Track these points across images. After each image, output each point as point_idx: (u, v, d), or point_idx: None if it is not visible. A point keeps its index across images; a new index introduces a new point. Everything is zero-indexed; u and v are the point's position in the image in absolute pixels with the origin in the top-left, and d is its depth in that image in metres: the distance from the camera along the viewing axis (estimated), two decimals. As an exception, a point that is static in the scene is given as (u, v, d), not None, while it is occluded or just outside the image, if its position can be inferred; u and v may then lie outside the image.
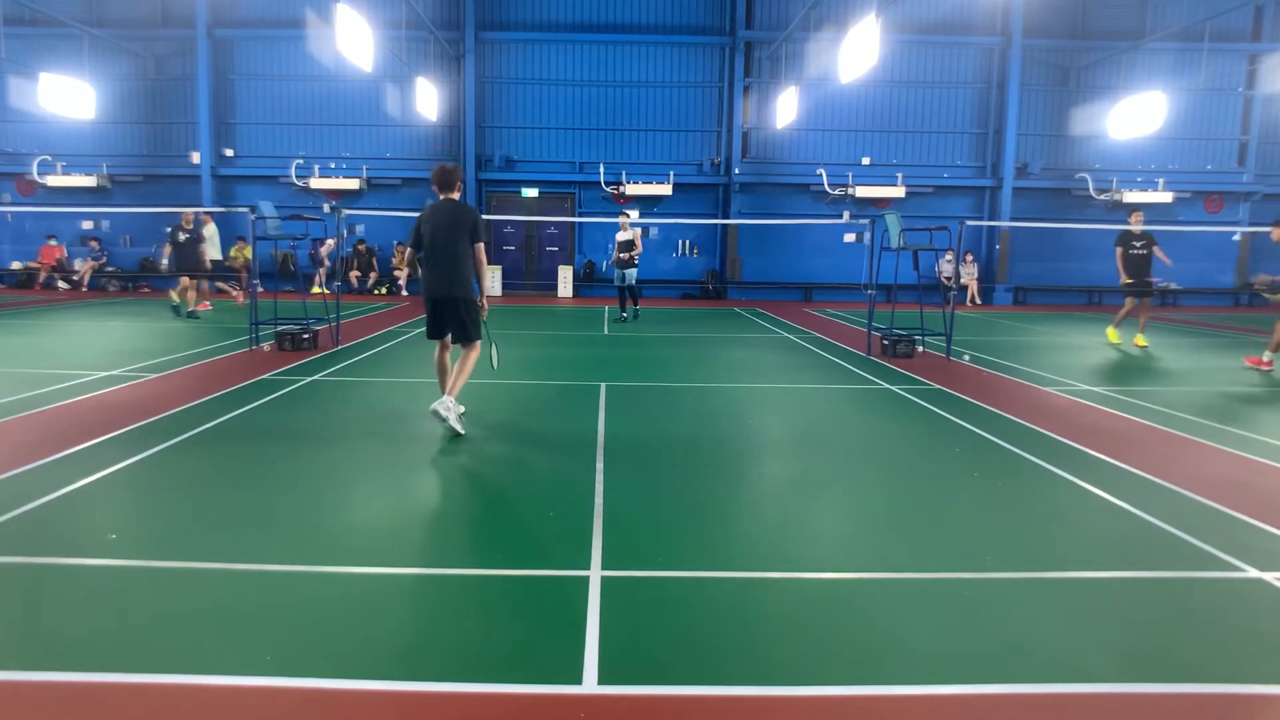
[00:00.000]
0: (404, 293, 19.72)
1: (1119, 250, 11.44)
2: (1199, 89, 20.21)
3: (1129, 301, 11.70)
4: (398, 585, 3.22)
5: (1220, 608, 3.10)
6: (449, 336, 5.74)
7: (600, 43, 20.42)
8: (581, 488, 4.44)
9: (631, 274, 13.74)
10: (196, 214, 13.70)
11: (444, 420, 5.39)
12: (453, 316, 5.61)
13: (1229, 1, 18.49)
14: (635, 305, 14.29)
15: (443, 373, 5.76)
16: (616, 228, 14.55)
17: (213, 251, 14.51)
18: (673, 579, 3.27)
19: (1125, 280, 11.45)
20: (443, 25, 20.16)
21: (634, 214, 16.24)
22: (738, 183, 20.54)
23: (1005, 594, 3.19)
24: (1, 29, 17.27)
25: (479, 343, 5.75)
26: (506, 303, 18.23)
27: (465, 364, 5.66)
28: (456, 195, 5.71)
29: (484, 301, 5.75)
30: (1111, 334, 11.99)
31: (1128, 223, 11.63)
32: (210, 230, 14.63)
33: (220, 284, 17.28)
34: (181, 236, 12.84)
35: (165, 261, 15.50)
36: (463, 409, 5.66)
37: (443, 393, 5.49)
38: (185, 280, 12.99)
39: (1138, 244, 11.37)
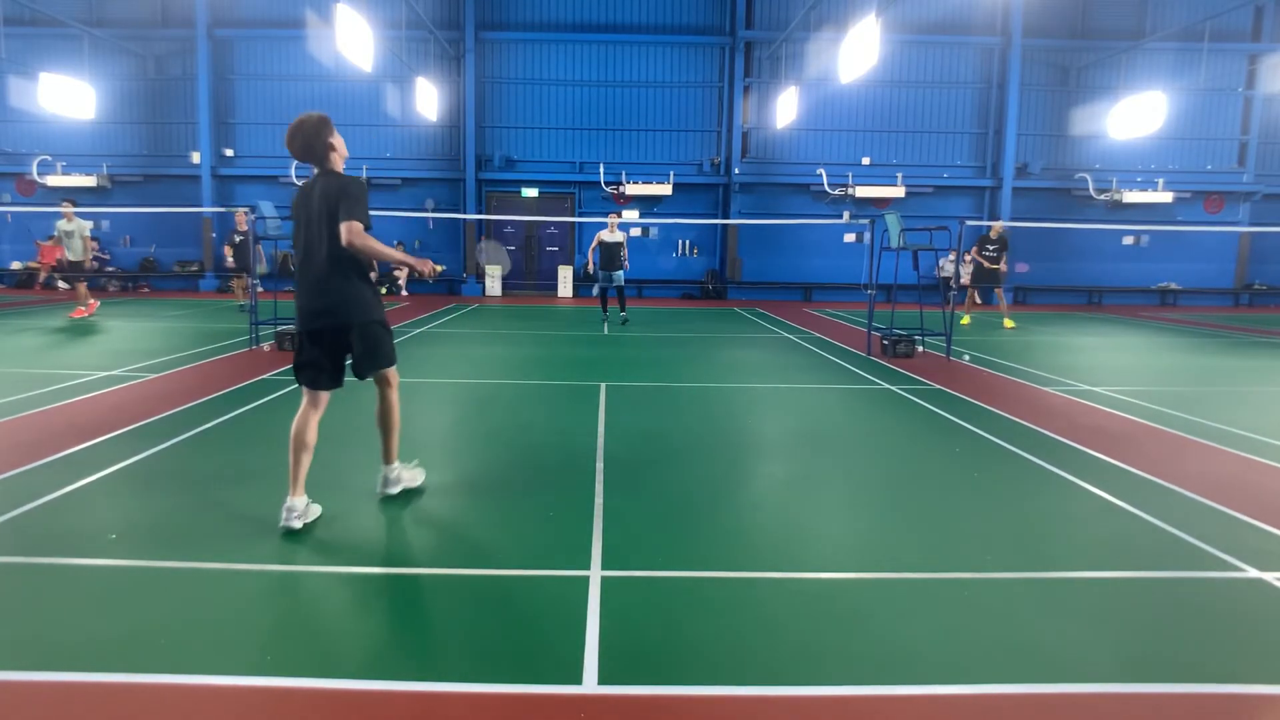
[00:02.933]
0: (404, 292, 19.73)
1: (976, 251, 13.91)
2: (1199, 89, 20.23)
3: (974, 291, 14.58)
4: (398, 585, 3.22)
5: (1220, 608, 3.10)
6: (329, 390, 3.83)
7: (600, 43, 20.42)
8: (581, 488, 4.44)
9: (619, 275, 13.22)
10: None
11: (404, 487, 4.22)
12: (342, 341, 3.77)
13: (1229, 1, 18.50)
14: (623, 308, 13.69)
15: (302, 449, 3.72)
16: (623, 228, 14.36)
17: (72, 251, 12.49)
18: (673, 579, 3.27)
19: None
20: (443, 25, 20.16)
21: (624, 215, 16.07)
22: (738, 183, 20.54)
23: (1005, 594, 3.18)
24: (1, 29, 17.27)
25: (394, 370, 4.04)
26: (506, 303, 18.23)
27: (392, 412, 4.05)
28: (338, 165, 3.85)
29: (423, 265, 4.03)
30: (965, 320, 14.10)
31: (988, 234, 13.87)
32: (72, 226, 12.40)
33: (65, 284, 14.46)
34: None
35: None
36: (414, 461, 4.44)
37: (293, 481, 3.71)
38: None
39: (990, 249, 13.74)
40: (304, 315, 3.73)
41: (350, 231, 3.56)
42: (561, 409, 6.68)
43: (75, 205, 12.57)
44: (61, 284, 12.36)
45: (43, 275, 19.73)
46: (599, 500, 4.21)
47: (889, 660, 2.65)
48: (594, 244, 13.17)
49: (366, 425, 4.32)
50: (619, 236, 13.12)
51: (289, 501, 3.69)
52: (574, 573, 3.29)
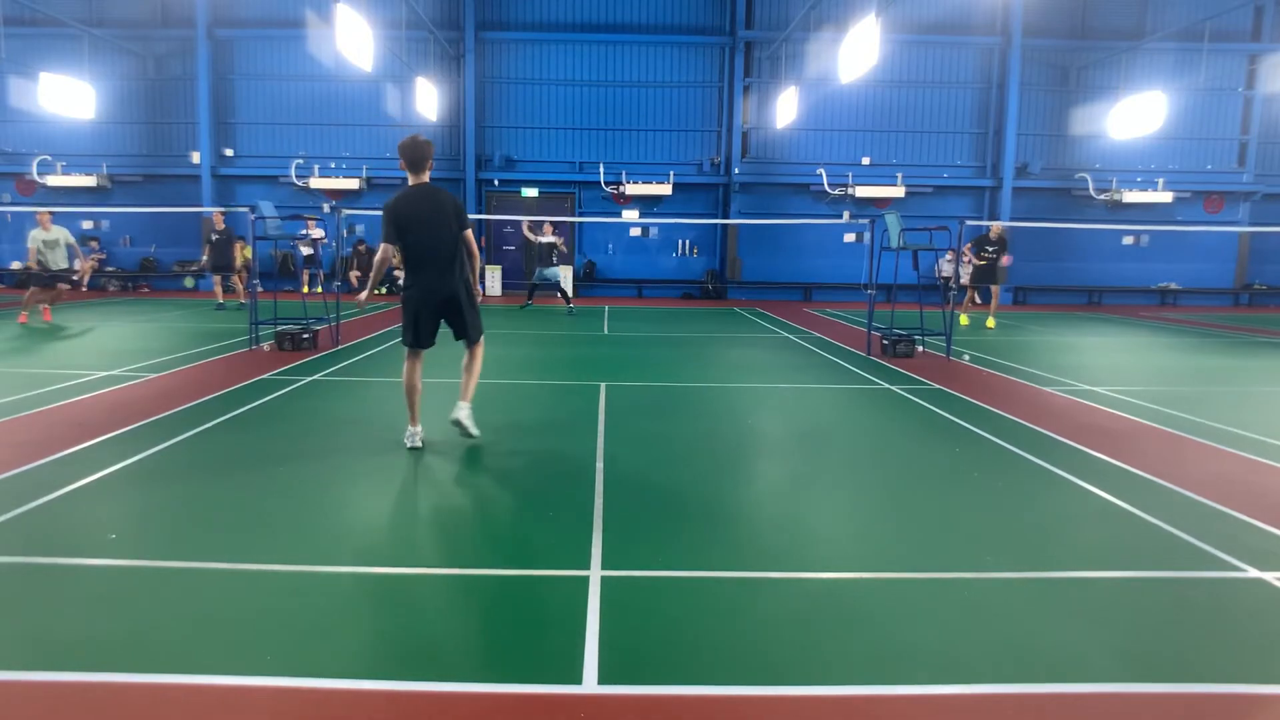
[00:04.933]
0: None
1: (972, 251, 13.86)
2: (1199, 89, 20.22)
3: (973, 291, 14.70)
4: (398, 585, 3.22)
5: (1220, 608, 3.10)
6: (428, 348, 5.16)
7: (600, 43, 20.42)
8: (581, 487, 4.44)
9: (554, 272, 15.33)
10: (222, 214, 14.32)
11: (465, 428, 5.19)
12: (456, 314, 5.09)
13: (1229, 1, 18.49)
14: (570, 303, 15.82)
15: (414, 391, 5.11)
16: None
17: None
18: (673, 579, 3.27)
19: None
20: (443, 25, 20.16)
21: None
22: (737, 182, 20.54)
23: (1005, 594, 3.19)
24: (1, 29, 17.27)
25: (483, 338, 5.34)
26: (506, 302, 18.22)
27: (476, 363, 5.28)
28: (428, 177, 5.01)
29: (480, 291, 5.36)
30: (964, 320, 14.02)
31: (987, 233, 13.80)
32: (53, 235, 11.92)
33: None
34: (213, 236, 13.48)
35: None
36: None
37: (412, 415, 5.11)
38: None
39: (990, 249, 13.67)
40: (435, 287, 4.95)
41: (470, 237, 5.07)
42: (561, 409, 6.68)
43: (52, 212, 11.98)
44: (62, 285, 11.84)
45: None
46: (599, 500, 4.21)
47: (889, 660, 2.65)
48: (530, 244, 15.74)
49: (360, 436, 4.31)
50: (550, 238, 15.27)
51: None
52: (574, 573, 3.29)
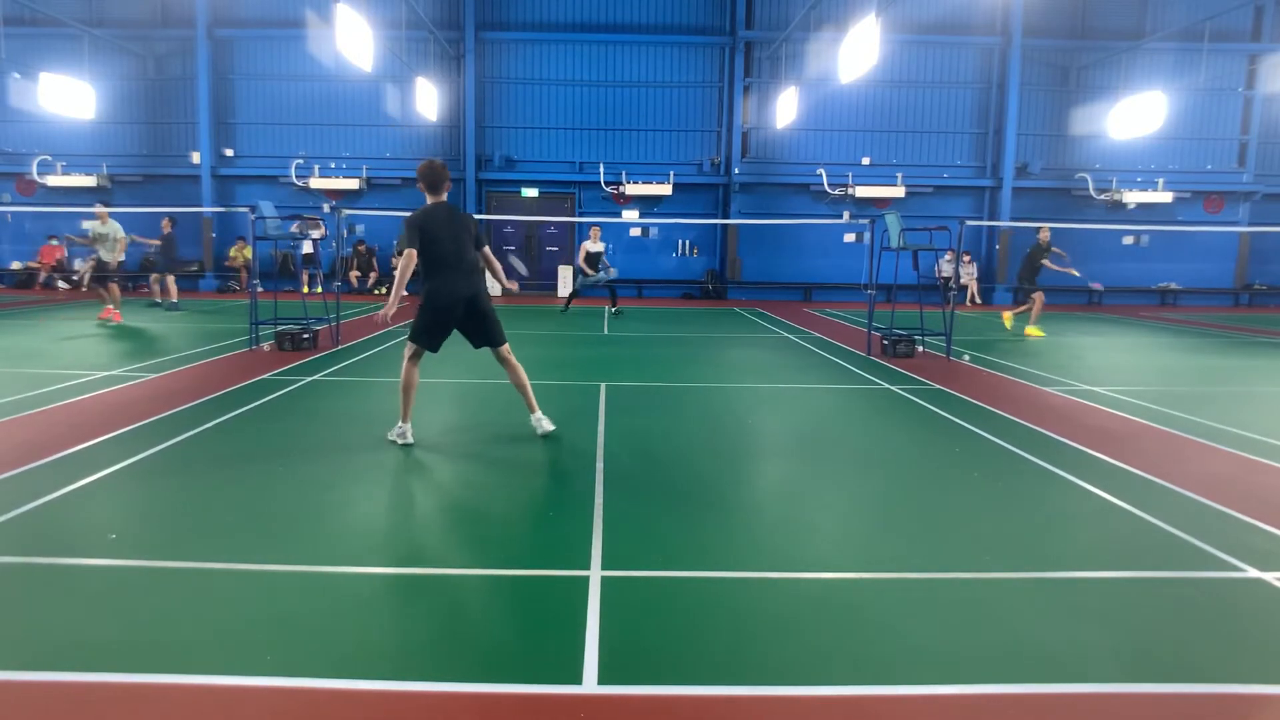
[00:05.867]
0: (404, 292, 19.71)
1: (1040, 259, 13.04)
2: (1199, 89, 20.21)
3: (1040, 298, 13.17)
4: (398, 585, 3.22)
5: (1220, 608, 3.10)
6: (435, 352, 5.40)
7: (600, 43, 20.42)
8: (581, 487, 4.44)
9: (600, 276, 14.91)
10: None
11: (547, 430, 5.49)
12: (482, 317, 5.31)
13: (1229, 1, 18.49)
14: (572, 303, 15.88)
15: (413, 389, 5.30)
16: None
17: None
18: (673, 579, 3.27)
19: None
20: (443, 25, 20.16)
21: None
22: (737, 183, 20.54)
23: (1005, 594, 3.19)
24: (1, 29, 17.27)
25: (506, 346, 5.49)
26: (506, 302, 18.23)
27: (518, 371, 5.50)
28: (445, 196, 5.33)
29: (512, 285, 5.97)
30: (1035, 331, 12.96)
31: (1039, 237, 13.17)
32: (107, 229, 12.54)
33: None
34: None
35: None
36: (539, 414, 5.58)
37: (405, 413, 5.28)
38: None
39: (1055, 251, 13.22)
40: (463, 290, 5.19)
41: (489, 252, 5.51)
42: (561, 409, 6.67)
43: (109, 207, 12.80)
44: (90, 286, 12.82)
45: (42, 275, 19.74)
46: (599, 500, 4.21)
47: (889, 660, 2.65)
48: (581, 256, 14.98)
49: (360, 436, 4.31)
50: (600, 246, 15.05)
51: (401, 426, 5.28)
52: (574, 573, 3.29)
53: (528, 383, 5.54)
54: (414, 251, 5.11)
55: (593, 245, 14.97)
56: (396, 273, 5.17)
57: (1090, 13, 20.53)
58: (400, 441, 5.23)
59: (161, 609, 2.93)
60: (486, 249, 5.45)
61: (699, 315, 16.07)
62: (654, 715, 2.34)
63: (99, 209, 12.62)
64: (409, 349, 5.29)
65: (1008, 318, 13.87)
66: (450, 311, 5.22)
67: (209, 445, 5.23)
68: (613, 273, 15.16)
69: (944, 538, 3.80)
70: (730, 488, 4.62)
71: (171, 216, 14.70)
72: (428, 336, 5.26)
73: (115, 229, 12.58)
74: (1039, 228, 13.50)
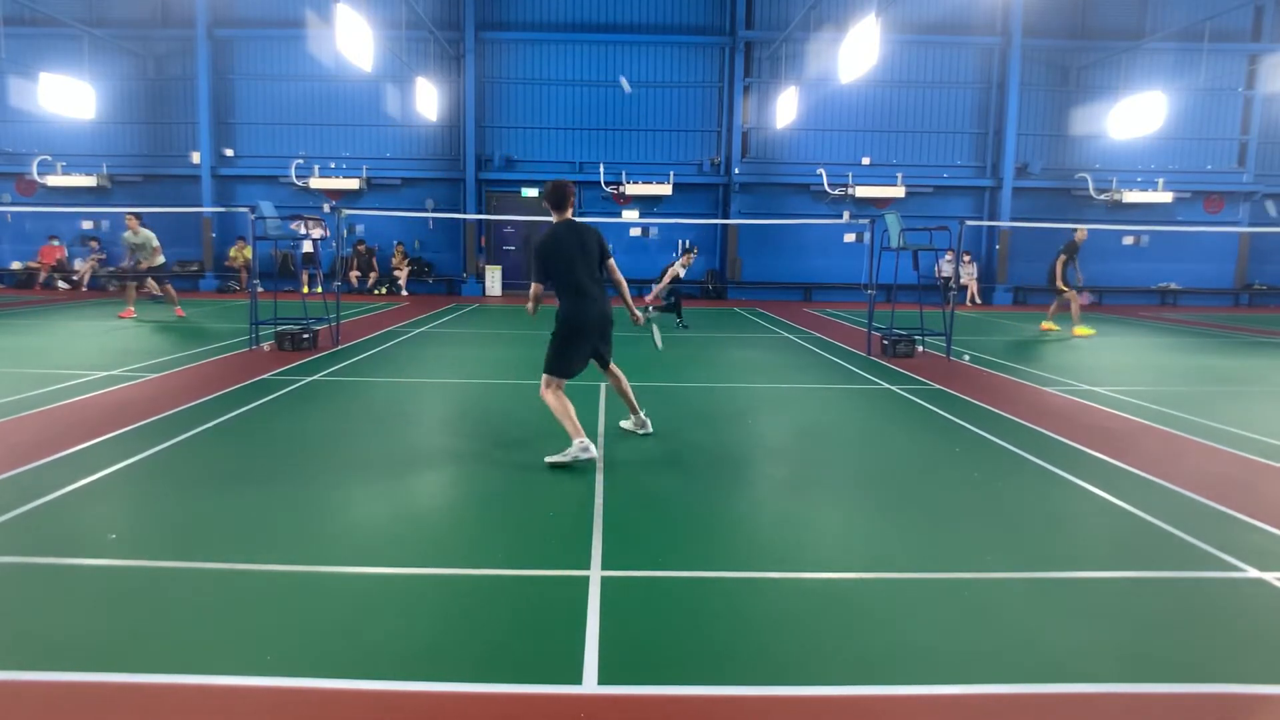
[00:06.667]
0: (404, 292, 19.72)
1: (1071, 260, 12.93)
2: (1199, 89, 20.21)
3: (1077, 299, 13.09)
4: (398, 586, 3.22)
5: (1220, 608, 3.10)
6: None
7: (600, 43, 20.41)
8: (581, 487, 4.44)
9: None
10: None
11: (649, 428, 5.65)
12: (607, 339, 5.29)
13: (1229, 1, 18.49)
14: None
15: (567, 408, 5.04)
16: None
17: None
18: (673, 579, 3.27)
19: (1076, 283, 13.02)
20: (443, 25, 20.15)
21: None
22: (738, 183, 20.54)
23: (1005, 594, 3.19)
24: (1, 29, 17.27)
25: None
26: (506, 302, 18.23)
27: (621, 380, 5.56)
28: (570, 213, 5.21)
29: (646, 303, 5.63)
30: (1082, 330, 12.96)
31: (1075, 237, 13.06)
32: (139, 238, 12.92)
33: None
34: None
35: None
36: (643, 412, 5.75)
37: (575, 428, 4.95)
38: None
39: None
40: (597, 314, 5.11)
41: (614, 265, 5.31)
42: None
43: (140, 218, 13.12)
44: (154, 289, 13.36)
45: (42, 275, 19.74)
46: (599, 500, 4.21)
47: (888, 660, 2.65)
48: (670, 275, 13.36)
49: (360, 437, 4.30)
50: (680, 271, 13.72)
51: (581, 441, 4.85)
52: (574, 573, 3.29)
53: (628, 387, 5.62)
54: (538, 286, 5.17)
55: (682, 268, 13.60)
56: (529, 303, 5.40)
57: (1090, 13, 20.53)
58: (584, 456, 4.84)
59: (161, 609, 2.93)
60: (611, 262, 5.26)
61: (699, 315, 16.05)
62: (654, 715, 2.34)
63: (130, 220, 12.93)
64: (545, 381, 5.10)
65: (1047, 325, 13.55)
66: (586, 337, 5.11)
67: (209, 445, 5.23)
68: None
69: (944, 538, 3.80)
70: (730, 488, 4.62)
71: (137, 214, 14.19)
72: (565, 364, 5.09)
73: (148, 236, 12.96)
74: (1075, 229, 13.26)
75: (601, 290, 5.18)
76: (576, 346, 5.11)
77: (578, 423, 4.95)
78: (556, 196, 5.16)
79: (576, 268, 5.04)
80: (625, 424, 5.82)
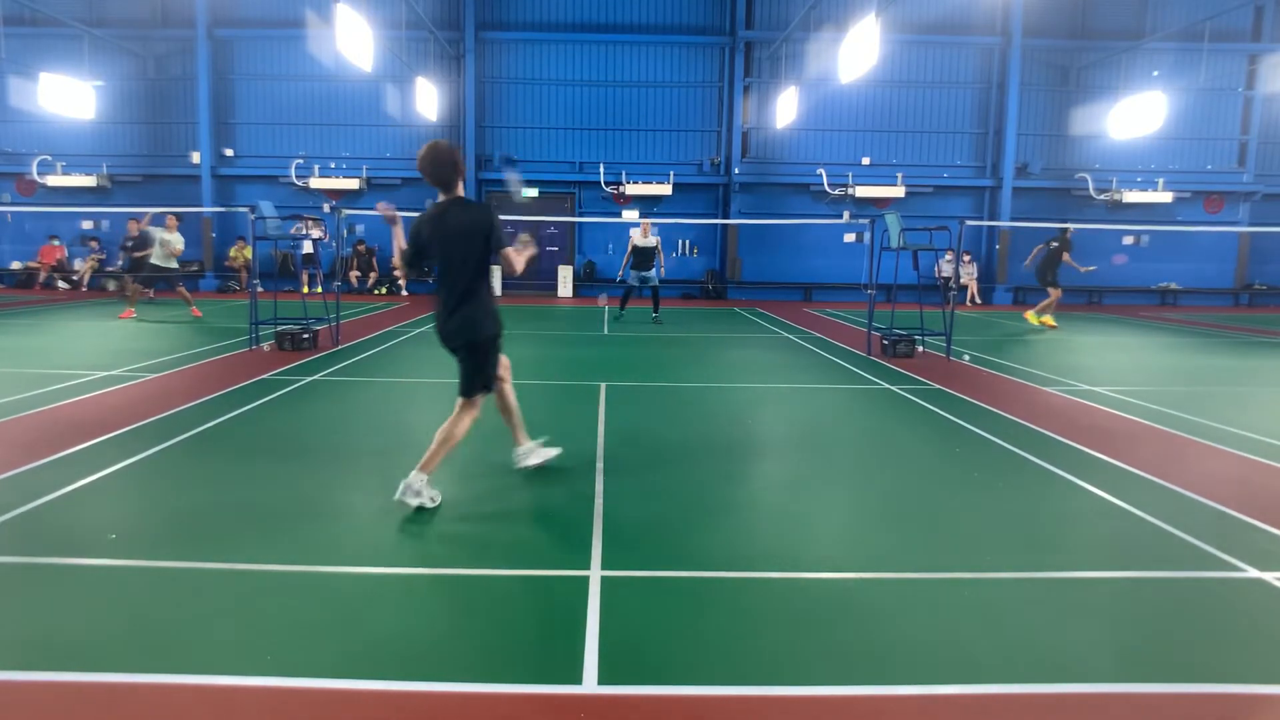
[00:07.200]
0: (404, 292, 19.72)
1: (1065, 254, 13.48)
2: (1199, 89, 20.21)
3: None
4: (398, 585, 3.22)
5: (1220, 608, 3.10)
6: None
7: (600, 43, 20.42)
8: (581, 487, 4.44)
9: (652, 276, 13.68)
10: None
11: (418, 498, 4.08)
12: (461, 357, 4.25)
13: (1229, 1, 18.49)
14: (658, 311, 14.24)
15: (506, 412, 4.71)
16: (619, 228, 14.40)
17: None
18: (673, 579, 3.27)
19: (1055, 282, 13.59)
20: (443, 25, 20.16)
21: (625, 215, 16.21)
22: (737, 182, 20.54)
23: (1005, 594, 3.19)
24: (1, 29, 17.27)
25: (476, 402, 4.30)
26: (506, 303, 18.20)
27: (451, 427, 4.19)
28: (460, 191, 4.22)
29: (524, 250, 4.33)
30: (1047, 321, 13.67)
31: (1065, 234, 13.59)
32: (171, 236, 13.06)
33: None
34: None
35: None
36: (434, 493, 4.13)
37: (521, 440, 4.65)
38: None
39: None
40: (439, 330, 4.24)
41: (507, 256, 4.20)
42: (561, 409, 6.68)
43: (180, 219, 13.46)
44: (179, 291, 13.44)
45: (42, 275, 19.74)
46: (599, 500, 4.21)
47: (888, 660, 2.65)
48: (629, 249, 13.65)
49: (360, 436, 4.29)
50: (652, 241, 13.53)
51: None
52: (574, 573, 3.29)
53: (445, 447, 4.25)
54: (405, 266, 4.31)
55: (642, 239, 13.41)
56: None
57: (1090, 13, 20.53)
58: (543, 460, 4.64)
59: (161, 609, 2.93)
60: (507, 252, 4.21)
61: (699, 315, 16.06)
62: (654, 715, 2.34)
63: (170, 219, 13.15)
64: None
65: (1030, 317, 14.24)
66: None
67: (209, 445, 5.23)
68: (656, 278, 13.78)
69: (944, 538, 3.80)
70: (730, 488, 4.62)
71: (136, 218, 14.47)
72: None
73: (177, 239, 13.08)
74: (1064, 227, 13.77)
75: (465, 299, 4.10)
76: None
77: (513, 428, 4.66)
78: (436, 171, 4.09)
79: (443, 259, 4.11)
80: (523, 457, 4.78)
